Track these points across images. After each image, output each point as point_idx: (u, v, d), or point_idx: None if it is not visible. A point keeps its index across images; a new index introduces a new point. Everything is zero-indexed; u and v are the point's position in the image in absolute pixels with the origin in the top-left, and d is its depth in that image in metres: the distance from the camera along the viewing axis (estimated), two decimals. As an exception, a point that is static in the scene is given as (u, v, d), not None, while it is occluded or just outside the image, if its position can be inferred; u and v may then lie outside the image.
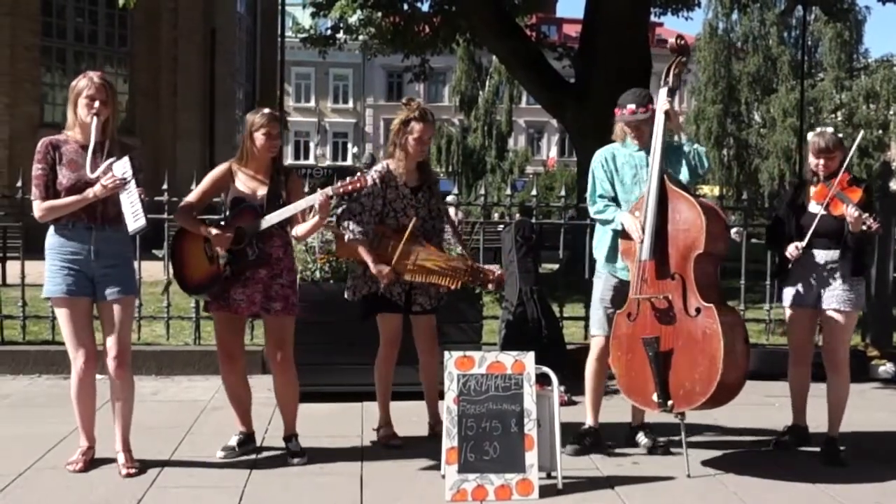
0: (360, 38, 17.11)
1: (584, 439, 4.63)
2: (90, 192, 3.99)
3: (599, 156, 4.67)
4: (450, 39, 16.23)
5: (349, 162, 45.32)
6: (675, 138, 4.54)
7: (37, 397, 5.79)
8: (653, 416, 4.60)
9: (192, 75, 21.45)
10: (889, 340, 7.02)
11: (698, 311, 4.20)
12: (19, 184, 6.33)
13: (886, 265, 7.04)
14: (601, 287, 4.68)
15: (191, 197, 4.56)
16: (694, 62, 44.69)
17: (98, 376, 4.25)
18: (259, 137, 4.35)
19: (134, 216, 3.97)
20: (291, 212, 4.33)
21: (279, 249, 4.40)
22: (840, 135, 4.65)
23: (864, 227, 4.32)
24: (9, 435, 4.84)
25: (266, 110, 4.46)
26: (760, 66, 42.44)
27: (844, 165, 4.54)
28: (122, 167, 4.00)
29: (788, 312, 4.75)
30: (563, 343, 6.37)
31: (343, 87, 51.00)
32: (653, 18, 16.88)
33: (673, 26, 49.02)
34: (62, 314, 4.14)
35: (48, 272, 4.11)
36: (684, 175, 4.48)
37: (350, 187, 4.37)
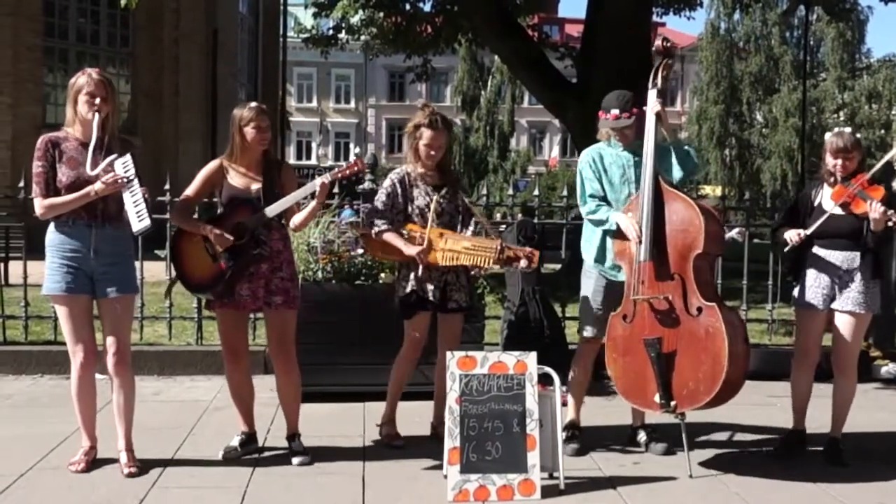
0: (362, 38, 17.11)
1: (565, 430, 4.54)
2: (91, 190, 3.98)
3: (587, 156, 4.65)
4: (452, 39, 16.23)
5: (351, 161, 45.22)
6: (667, 138, 4.52)
7: (39, 397, 5.79)
8: (653, 416, 4.60)
9: (193, 75, 21.46)
10: (892, 341, 7.00)
11: (700, 310, 4.20)
12: (21, 184, 6.33)
13: (889, 266, 7.03)
14: (591, 287, 4.66)
15: (184, 197, 4.49)
16: (696, 62, 44.76)
17: (99, 376, 4.26)
18: (249, 132, 4.31)
19: (138, 216, 3.96)
20: (294, 200, 4.31)
21: (279, 242, 4.38)
22: (858, 135, 4.64)
23: (890, 224, 4.28)
24: (11, 435, 4.84)
25: (253, 104, 4.41)
26: (762, 65, 42.45)
27: (875, 168, 4.53)
28: (124, 164, 4.00)
29: (799, 313, 4.68)
30: (565, 343, 6.36)
31: (345, 87, 51.02)
32: (655, 18, 16.86)
33: (675, 26, 49.04)
34: (62, 311, 4.15)
35: (48, 270, 4.11)
36: (675, 175, 4.49)
37: (348, 171, 4.40)
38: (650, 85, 4.52)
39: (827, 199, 4.54)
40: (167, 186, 6.58)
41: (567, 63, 15.71)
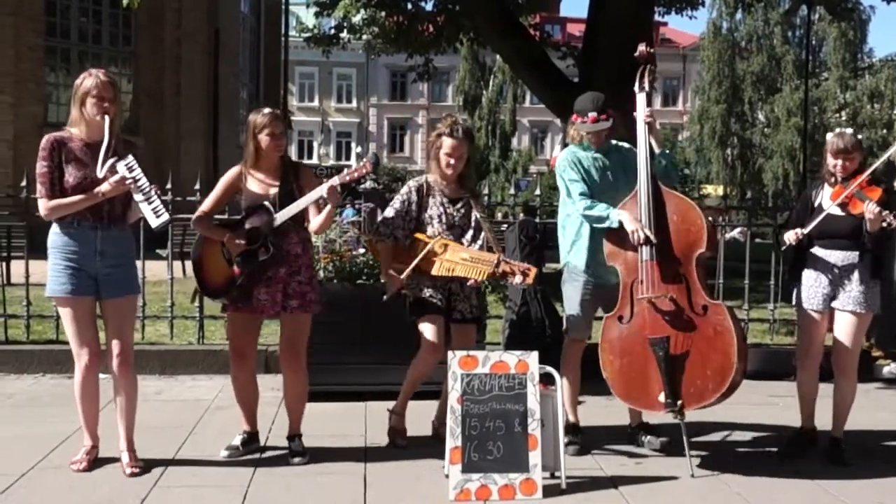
0: (364, 37, 17.09)
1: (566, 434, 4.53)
2: (98, 191, 3.98)
3: (566, 160, 4.62)
4: (453, 39, 16.21)
5: (352, 161, 45.31)
6: (656, 149, 4.51)
7: (41, 397, 5.79)
8: (654, 416, 4.60)
9: (195, 75, 21.50)
10: (893, 341, 7.00)
11: (706, 308, 4.22)
12: (24, 183, 6.34)
13: (890, 266, 7.02)
14: (579, 290, 4.64)
15: (205, 206, 4.54)
16: (698, 62, 44.76)
17: (101, 376, 4.26)
18: (264, 139, 4.33)
19: (155, 213, 3.98)
20: (302, 205, 4.32)
21: (297, 246, 4.39)
22: (860, 136, 4.64)
23: (884, 225, 4.29)
24: (12, 434, 4.84)
25: (267, 110, 4.43)
26: (764, 65, 42.46)
27: (873, 167, 4.54)
28: (128, 165, 4.00)
29: (801, 313, 4.68)
30: (566, 343, 6.35)
31: (346, 86, 51.05)
32: (657, 18, 16.85)
33: (677, 26, 49.02)
34: (66, 313, 4.14)
35: (51, 271, 4.10)
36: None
37: (356, 174, 4.41)
38: (637, 88, 4.54)
39: (827, 199, 4.55)
40: (168, 186, 6.58)
41: (569, 62, 15.69)
